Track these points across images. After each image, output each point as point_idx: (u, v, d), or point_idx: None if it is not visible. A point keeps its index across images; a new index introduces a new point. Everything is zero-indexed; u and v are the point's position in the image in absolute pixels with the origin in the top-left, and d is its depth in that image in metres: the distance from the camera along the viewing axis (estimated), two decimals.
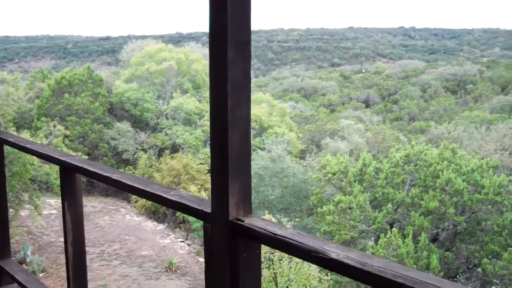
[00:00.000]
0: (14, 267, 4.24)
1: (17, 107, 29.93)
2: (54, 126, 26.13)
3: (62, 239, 20.86)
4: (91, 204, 25.09)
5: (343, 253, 2.06)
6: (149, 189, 2.77)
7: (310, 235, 2.33)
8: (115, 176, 2.98)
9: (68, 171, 3.36)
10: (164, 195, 2.67)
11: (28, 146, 3.81)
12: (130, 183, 2.86)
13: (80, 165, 3.27)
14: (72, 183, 3.36)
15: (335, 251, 2.09)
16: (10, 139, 4.05)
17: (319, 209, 19.47)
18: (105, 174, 3.04)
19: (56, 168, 21.09)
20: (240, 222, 2.33)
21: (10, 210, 21.20)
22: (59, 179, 15.77)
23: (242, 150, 2.33)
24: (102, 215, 23.68)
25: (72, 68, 36.93)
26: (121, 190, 3.17)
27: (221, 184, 2.34)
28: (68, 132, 27.83)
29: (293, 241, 2.20)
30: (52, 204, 23.87)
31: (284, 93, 74.05)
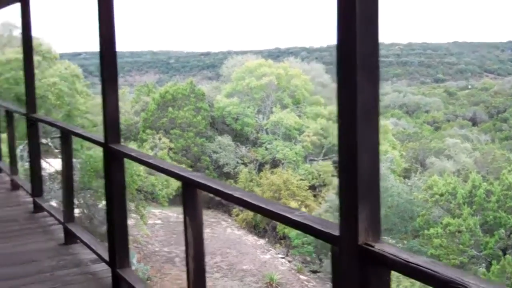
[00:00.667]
0: (133, 277, 4.35)
1: (124, 120, 31.23)
2: (159, 139, 27.03)
3: (166, 248, 21.53)
4: None
5: (486, 287, 1.92)
6: (272, 209, 2.74)
7: (445, 265, 2.20)
8: (237, 194, 2.98)
9: (189, 187, 3.40)
10: (289, 215, 2.62)
11: (149, 160, 3.91)
12: (253, 201, 2.85)
13: (202, 181, 3.30)
14: (194, 199, 3.40)
15: (475, 283, 1.95)
16: (131, 153, 4.18)
17: (425, 231, 18.84)
18: (227, 192, 3.05)
19: (161, 179, 21.78)
20: (370, 248, 2.24)
21: None
22: (164, 190, 16.23)
23: (371, 173, 2.25)
24: (204, 228, 24.04)
25: (176, 82, 38.03)
26: (243, 207, 3.17)
27: (349, 206, 2.27)
28: (172, 145, 28.67)
29: (427, 270, 2.08)
30: (157, 214, 24.62)
31: (385, 110, 72.58)
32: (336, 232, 2.35)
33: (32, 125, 6.64)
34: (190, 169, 26.99)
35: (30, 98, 6.66)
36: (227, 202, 26.14)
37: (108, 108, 4.26)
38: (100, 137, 4.68)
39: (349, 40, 2.17)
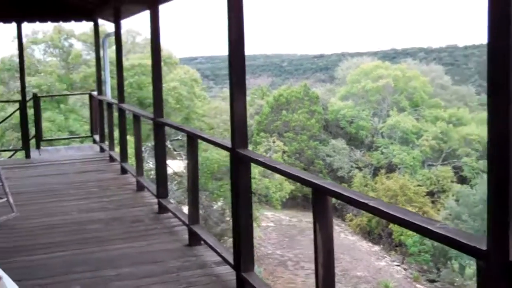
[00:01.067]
0: (258, 281, 4.36)
1: None
2: (274, 142, 27.27)
3: (278, 251, 21.67)
4: (306, 220, 25.62)
5: None
6: (411, 219, 2.62)
7: None
8: (372, 203, 2.88)
9: (320, 194, 3.35)
10: (429, 227, 2.49)
11: (277, 166, 3.90)
12: (390, 212, 2.74)
13: (333, 188, 3.24)
14: (324, 206, 3.34)
15: None
16: (259, 159, 4.19)
17: None
18: (361, 200, 2.96)
19: (275, 182, 21.93)
20: None
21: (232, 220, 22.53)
22: (277, 193, 16.28)
23: None
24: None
25: (289, 85, 38.21)
26: (380, 217, 3.06)
27: (499, 220, 2.12)
28: (286, 148, 28.83)
29: None
30: (269, 217, 24.83)
31: None
32: (483, 246, 2.21)
33: (159, 129, 6.88)
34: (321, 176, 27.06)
35: (157, 103, 6.90)
36: (340, 206, 26.06)
37: (235, 112, 4.31)
38: (227, 142, 4.75)
39: (501, 42, 2.02)
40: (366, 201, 2.92)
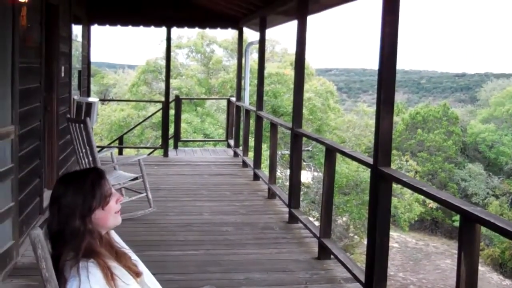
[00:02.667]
0: None
1: (371, 138, 31.28)
2: (407, 161, 26.52)
3: (401, 274, 21.05)
4: (433, 244, 24.65)
5: None
6: None
7: None
8: None
9: (469, 221, 3.17)
10: None
11: (423, 188, 3.75)
12: None
13: (484, 216, 3.05)
14: (472, 235, 3.16)
15: None
16: (403, 178, 4.06)
17: None
18: None
19: (404, 203, 21.31)
20: None
21: (355, 236, 22.16)
22: (406, 214, 15.79)
23: None
24: (444, 257, 22.98)
25: (427, 104, 37.03)
26: None
27: None
28: (419, 168, 27.93)
29: None
30: (395, 238, 24.15)
31: None
32: None
33: (297, 139, 6.91)
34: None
35: (296, 113, 6.94)
36: None
37: (381, 130, 4.20)
38: (368, 158, 4.66)
39: None
40: None
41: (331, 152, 5.67)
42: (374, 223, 4.31)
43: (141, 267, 2.41)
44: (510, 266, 23.05)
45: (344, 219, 21.69)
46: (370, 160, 4.45)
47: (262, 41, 9.62)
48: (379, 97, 4.26)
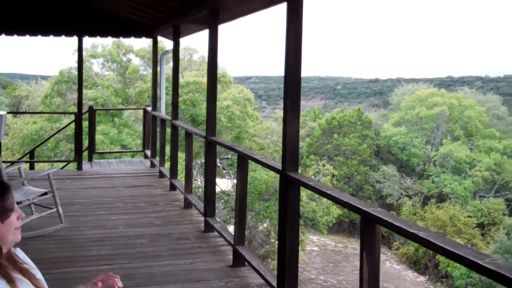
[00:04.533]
0: None
1: None
2: (323, 165, 27.09)
3: (322, 277, 21.45)
4: (351, 246, 25.27)
5: None
6: (460, 253, 2.56)
7: None
8: (421, 234, 2.82)
9: (369, 222, 3.29)
10: (479, 262, 2.43)
11: (327, 191, 3.86)
12: (439, 244, 2.68)
13: (383, 217, 3.18)
14: (373, 234, 3.28)
15: None
16: (309, 183, 4.16)
17: None
18: (411, 231, 2.89)
19: (322, 206, 21.73)
20: None
21: (276, 242, 22.39)
22: (324, 217, 16.06)
23: None
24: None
25: (343, 109, 38.00)
26: (429, 249, 2.99)
27: None
28: (335, 172, 28.60)
29: None
30: (315, 241, 24.61)
31: None
32: None
33: (211, 147, 6.93)
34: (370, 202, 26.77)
35: (210, 121, 6.96)
36: (387, 234, 25.58)
37: (288, 136, 4.30)
38: (277, 164, 4.74)
39: None
40: (415, 232, 2.86)
41: (243, 159, 5.72)
42: (284, 227, 4.39)
43: (45, 286, 2.37)
44: (423, 263, 23.99)
45: (265, 225, 21.86)
46: (279, 166, 4.53)
47: (176, 50, 9.58)
48: (285, 103, 4.35)
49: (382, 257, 24.70)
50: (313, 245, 24.26)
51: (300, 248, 20.61)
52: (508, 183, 29.68)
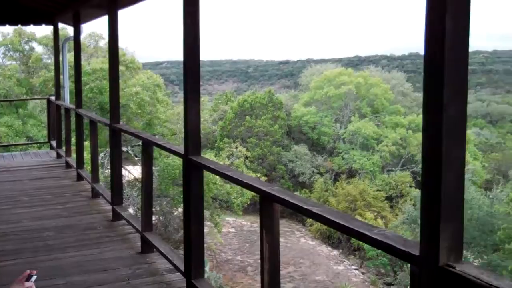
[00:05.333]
0: (207, 287, 4.37)
1: (202, 129, 31.73)
2: (236, 148, 27.25)
3: (239, 257, 21.65)
4: None
5: None
6: (351, 226, 2.68)
7: None
8: (315, 210, 2.94)
9: (267, 200, 3.38)
10: (367, 233, 2.56)
11: (228, 173, 3.92)
12: (332, 218, 2.80)
13: (280, 195, 3.27)
14: (271, 213, 3.38)
15: None
16: (211, 166, 4.21)
17: (506, 245, 18.06)
18: (305, 207, 3.00)
19: (236, 188, 21.97)
20: (451, 269, 2.15)
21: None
22: (238, 199, 16.27)
23: (455, 191, 2.17)
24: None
25: (254, 91, 38.33)
26: (323, 223, 3.11)
27: (432, 226, 2.19)
28: (248, 154, 28.85)
29: None
30: (231, 223, 24.81)
31: (468, 119, 70.19)
32: (416, 252, 2.28)
33: (115, 135, 6.83)
34: (265, 178, 27.12)
35: (114, 108, 6.86)
36: None
37: (189, 120, 4.32)
38: (180, 148, 4.75)
39: (437, 54, 2.09)
40: (309, 208, 2.96)
41: (147, 146, 5.69)
42: (188, 211, 4.42)
43: None
44: (336, 237, 24.76)
45: (180, 210, 21.81)
46: (182, 150, 4.55)
47: (77, 36, 9.34)
48: (185, 88, 4.36)
49: (297, 234, 25.32)
50: (229, 226, 24.47)
51: (216, 230, 20.77)
52: (413, 157, 30.98)
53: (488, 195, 25.32)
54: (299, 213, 3.23)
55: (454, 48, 2.07)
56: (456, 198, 2.17)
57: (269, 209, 3.38)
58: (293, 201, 3.15)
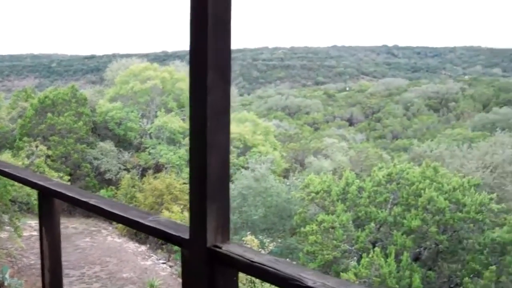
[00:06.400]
0: None
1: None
2: (36, 146, 25.93)
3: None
4: (72, 226, 24.83)
5: (320, 281, 2.04)
6: (127, 215, 2.74)
7: (288, 262, 2.32)
8: (93, 201, 2.96)
9: (46, 196, 3.33)
10: (142, 221, 2.63)
11: (6, 170, 3.77)
12: (108, 209, 2.84)
13: (59, 190, 3.23)
14: (51, 209, 3.33)
15: (311, 279, 2.07)
16: None
17: (302, 229, 19.32)
18: (83, 200, 3.01)
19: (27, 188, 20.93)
20: (217, 249, 2.30)
21: None
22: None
23: (220, 175, 2.30)
24: (83, 237, 23.43)
25: (57, 87, 36.72)
26: (100, 215, 3.15)
27: (199, 210, 2.31)
28: (50, 152, 27.63)
29: (269, 268, 2.18)
30: (33, 226, 23.57)
31: (268, 112, 74.27)
32: (186, 236, 2.39)
33: None
34: (68, 177, 26.17)
35: None
36: None
37: None
38: None
39: (201, 42, 2.21)
40: (86, 200, 2.97)
41: None
42: None
43: None
44: (143, 236, 24.72)
45: None
46: None
47: None
48: None
49: (104, 232, 24.83)
50: (31, 230, 23.18)
51: (16, 234, 19.60)
52: None
53: (286, 182, 27.02)
54: (77, 206, 3.23)
55: (217, 36, 2.20)
56: (221, 181, 2.28)
57: (48, 205, 3.33)
58: (70, 194, 3.13)
